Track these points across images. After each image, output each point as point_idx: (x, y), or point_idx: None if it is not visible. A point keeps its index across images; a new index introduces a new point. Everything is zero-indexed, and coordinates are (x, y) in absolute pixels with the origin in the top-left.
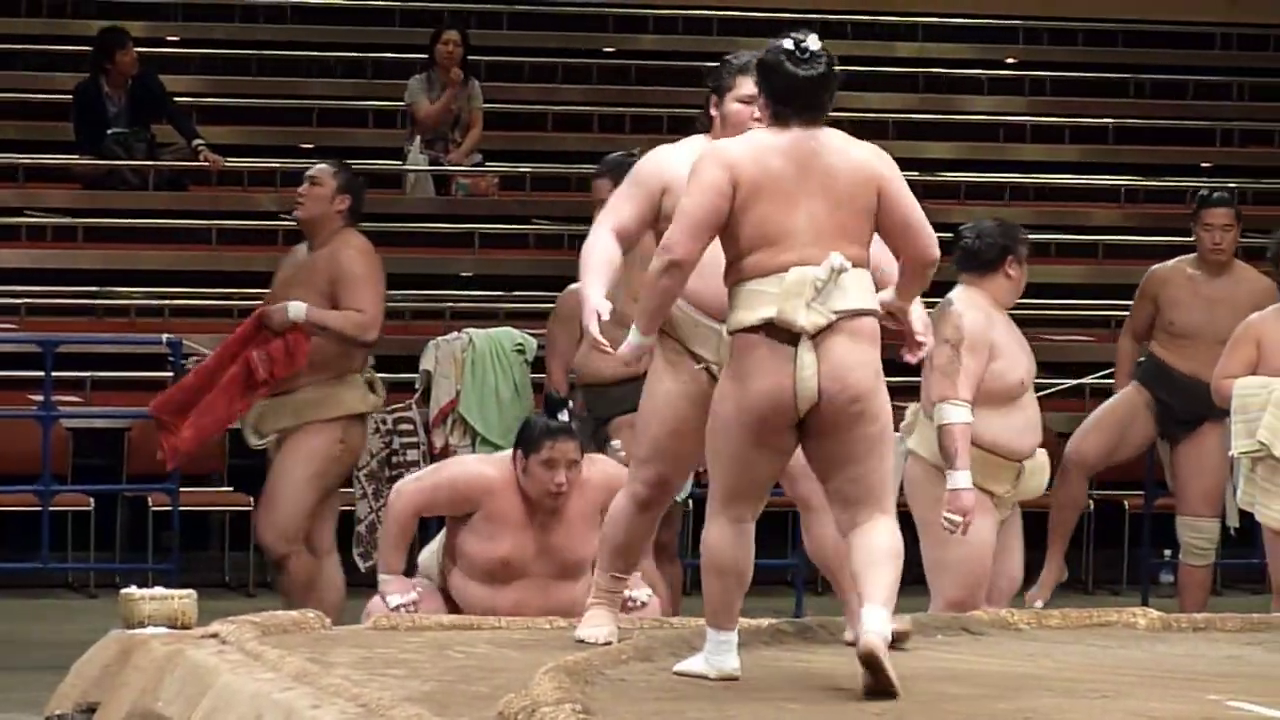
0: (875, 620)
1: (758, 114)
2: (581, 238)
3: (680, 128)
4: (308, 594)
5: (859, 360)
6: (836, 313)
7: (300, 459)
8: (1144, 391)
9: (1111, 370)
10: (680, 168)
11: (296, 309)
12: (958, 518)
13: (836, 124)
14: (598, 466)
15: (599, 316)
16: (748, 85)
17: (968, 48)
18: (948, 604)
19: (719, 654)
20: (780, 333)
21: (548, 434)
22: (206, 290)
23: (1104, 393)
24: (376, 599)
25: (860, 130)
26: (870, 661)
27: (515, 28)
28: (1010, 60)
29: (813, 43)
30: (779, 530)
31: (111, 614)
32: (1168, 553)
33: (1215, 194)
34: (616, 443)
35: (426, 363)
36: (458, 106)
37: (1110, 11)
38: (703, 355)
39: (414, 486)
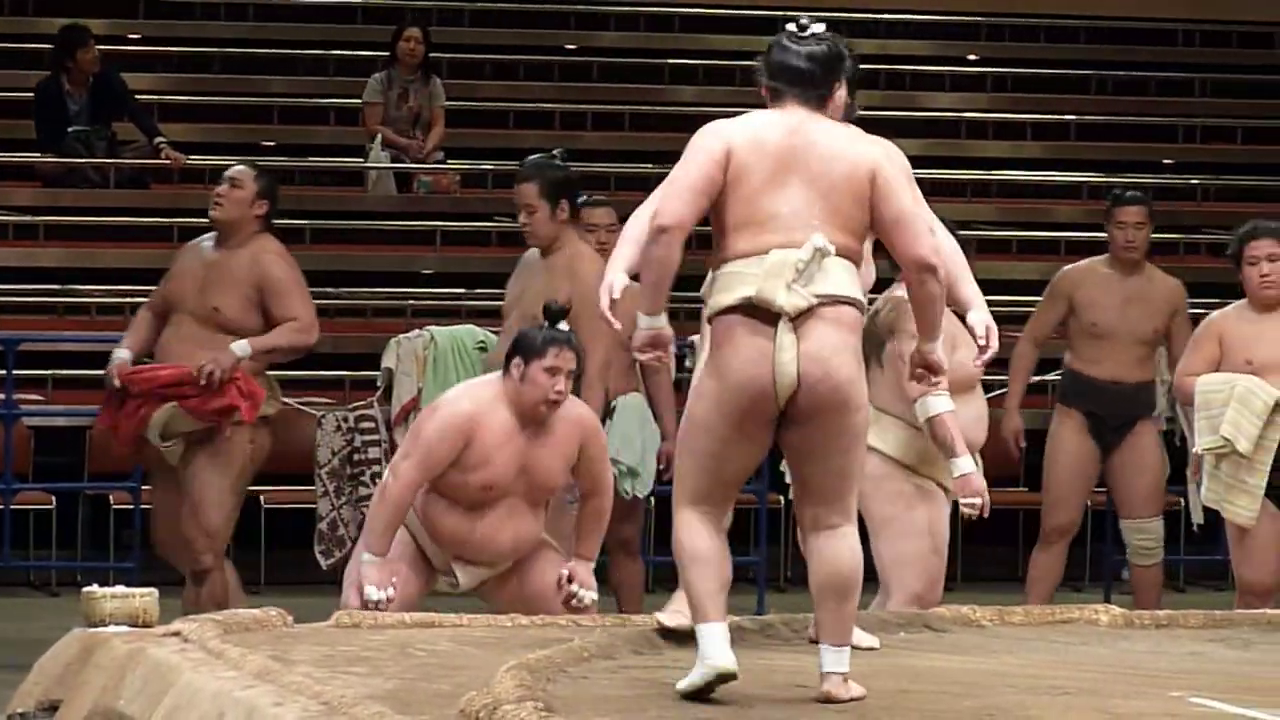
0: (834, 662)
1: None
2: None
3: (642, 124)
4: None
5: (840, 346)
6: (818, 296)
7: (220, 466)
8: (1072, 412)
9: None
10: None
11: (241, 348)
12: (976, 500)
13: None
14: (571, 406)
15: (610, 291)
16: None
17: (929, 44)
18: (909, 598)
19: (708, 649)
20: (759, 314)
21: (553, 341)
22: None
23: None
24: (352, 584)
25: None
26: (830, 702)
27: (477, 25)
28: (972, 57)
29: (816, 26)
30: (741, 527)
31: (73, 612)
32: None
33: (1128, 193)
34: None
35: (388, 360)
36: (419, 104)
37: (1072, 8)
38: None
39: (409, 464)
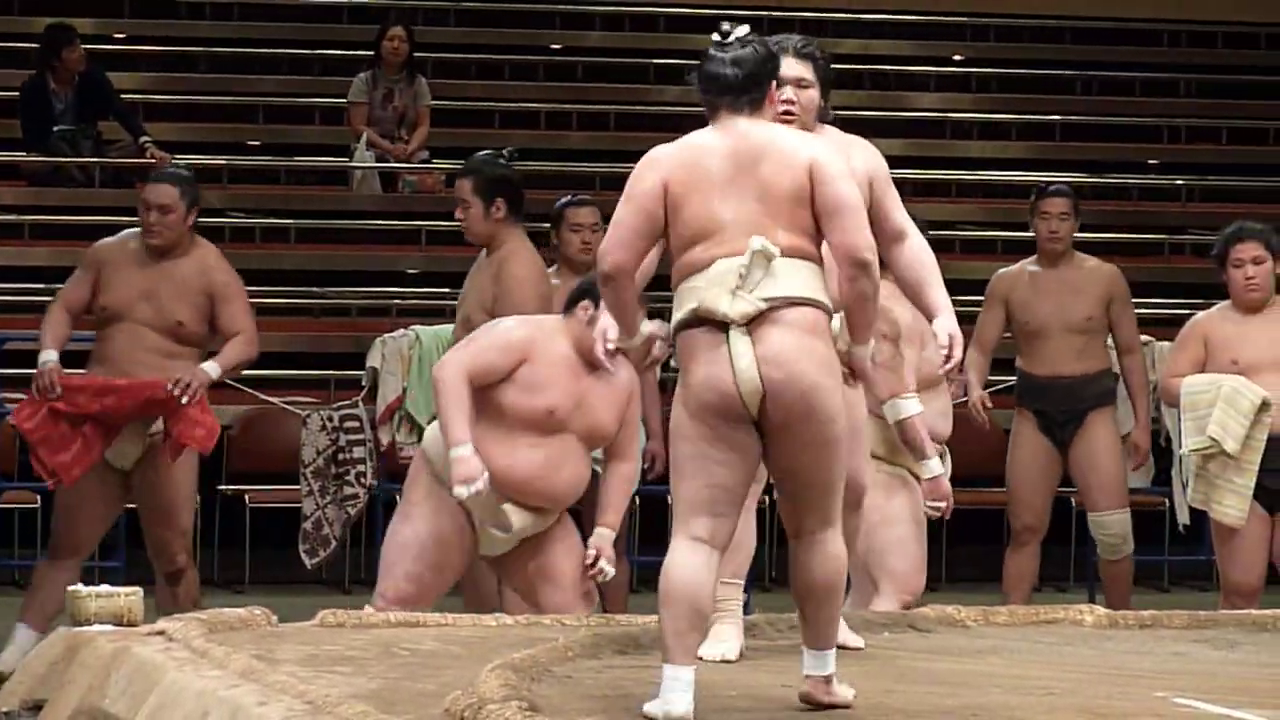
0: (814, 665)
1: (785, 95)
2: (530, 234)
3: (627, 124)
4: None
5: (800, 349)
6: (767, 300)
7: (182, 471)
8: (1026, 413)
9: None
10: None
11: (212, 369)
12: (941, 503)
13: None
14: (621, 364)
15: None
16: (784, 65)
17: (913, 44)
18: (897, 585)
19: (667, 693)
20: (713, 325)
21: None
22: None
23: None
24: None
25: None
26: (812, 704)
27: (462, 24)
28: (957, 57)
29: (739, 30)
30: None
31: (58, 612)
32: None
33: (1051, 185)
34: None
35: (373, 360)
36: (404, 103)
37: (1056, 9)
38: None
39: (460, 354)
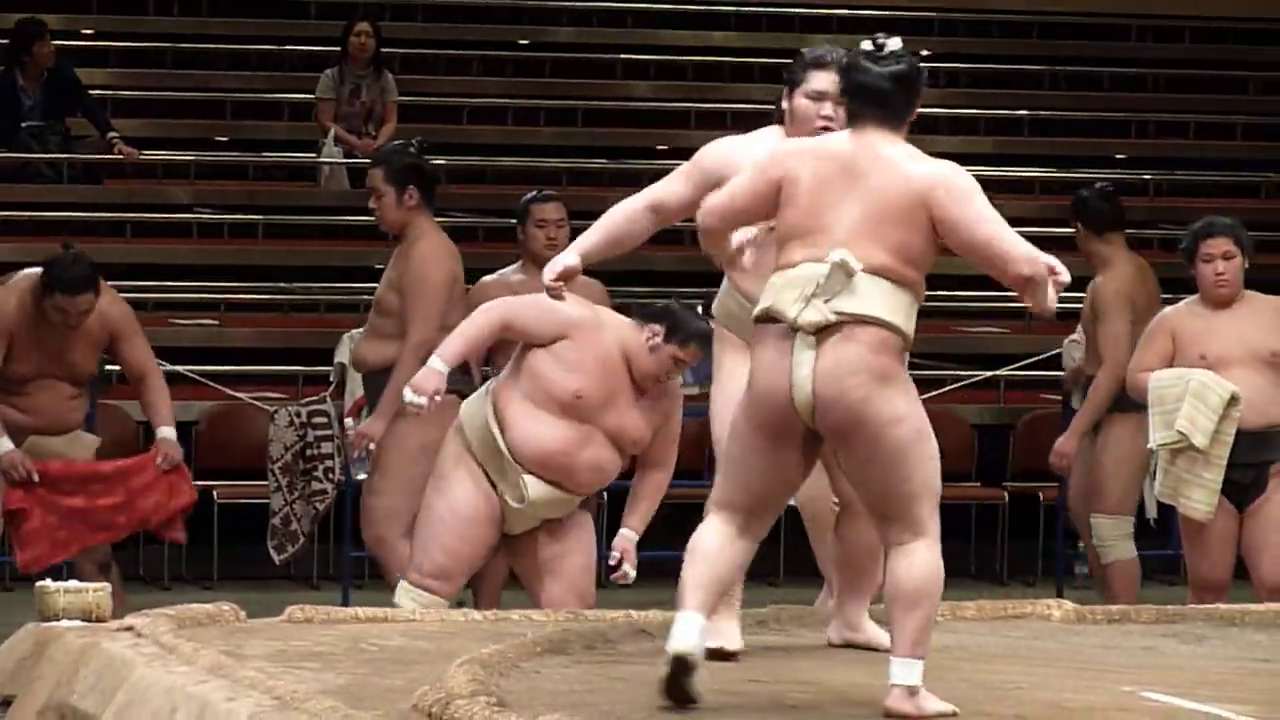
0: (898, 674)
1: (825, 111)
2: (497, 230)
3: (595, 120)
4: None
5: (858, 365)
6: (840, 314)
7: None
8: None
9: (1026, 362)
10: (744, 162)
11: (172, 433)
12: None
13: (756, 117)
14: (671, 388)
15: (559, 269)
16: (817, 80)
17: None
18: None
19: (674, 630)
20: (784, 327)
21: (702, 341)
22: (121, 283)
23: (1018, 385)
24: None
25: (774, 124)
26: (893, 717)
27: (429, 20)
28: (925, 52)
29: (893, 43)
30: (693, 522)
31: (27, 607)
32: (1082, 544)
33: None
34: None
35: (341, 355)
36: (371, 99)
37: (1025, 3)
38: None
39: (508, 300)
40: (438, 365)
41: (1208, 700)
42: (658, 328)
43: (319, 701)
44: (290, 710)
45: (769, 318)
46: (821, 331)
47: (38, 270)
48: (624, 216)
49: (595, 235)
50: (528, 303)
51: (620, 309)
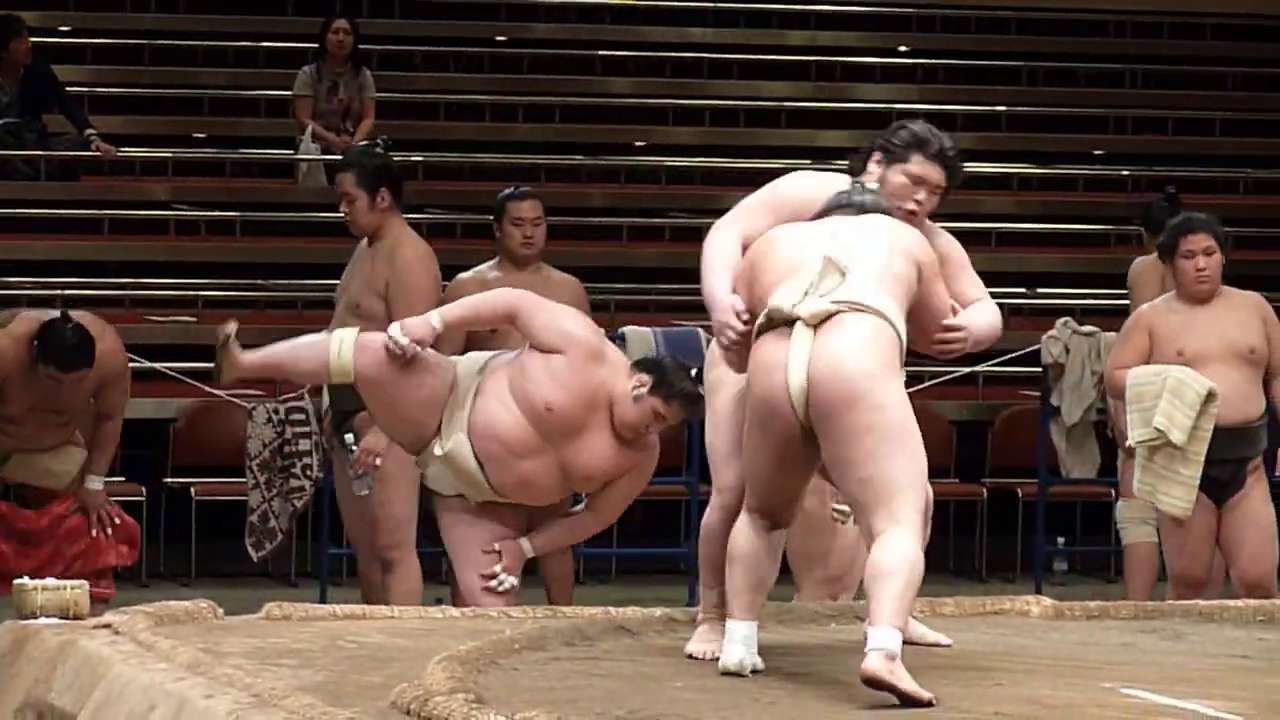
0: (875, 639)
1: (920, 196)
2: (472, 226)
3: (573, 116)
4: None
5: (857, 347)
6: (837, 302)
7: None
8: None
9: (1004, 358)
10: (819, 201)
11: (99, 483)
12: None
13: (735, 114)
14: (649, 447)
15: (735, 312)
16: (919, 164)
17: (860, 35)
18: (824, 581)
19: (725, 644)
20: (781, 327)
21: (689, 403)
22: (98, 280)
23: (997, 380)
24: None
25: (754, 119)
26: (872, 684)
27: (407, 16)
28: (903, 48)
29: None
30: (671, 519)
31: (4, 605)
32: (1061, 540)
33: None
34: (349, 436)
35: None
36: (349, 96)
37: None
38: None
39: (524, 294)
40: (435, 321)
41: (1186, 697)
42: (646, 379)
43: (297, 699)
44: (268, 707)
45: (768, 326)
46: (820, 324)
47: (37, 316)
48: (732, 251)
49: (729, 271)
50: (545, 306)
51: (596, 306)
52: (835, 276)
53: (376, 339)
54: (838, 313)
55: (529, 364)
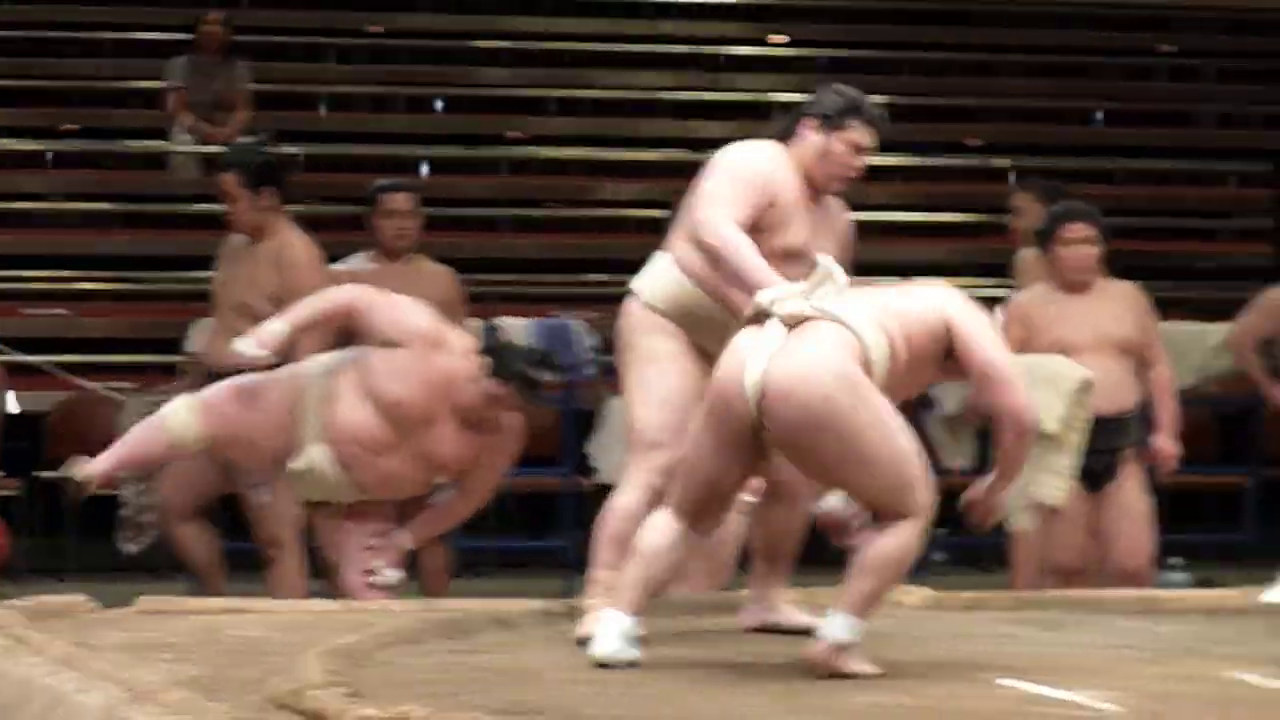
0: (828, 625)
1: (859, 162)
2: (348, 219)
3: (452, 108)
4: None
5: (818, 361)
6: (816, 309)
7: None
8: None
9: None
10: (776, 174)
11: None
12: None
13: (613, 105)
14: (514, 416)
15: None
16: (859, 130)
17: (739, 26)
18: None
19: (603, 634)
20: (760, 321)
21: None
22: None
23: None
24: None
25: (631, 111)
26: (814, 669)
27: (283, 7)
28: (784, 38)
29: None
30: (547, 513)
31: None
32: (940, 530)
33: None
34: None
35: (192, 345)
36: (223, 87)
37: None
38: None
39: (365, 290)
40: (281, 327)
41: (1064, 686)
42: (484, 361)
43: (172, 692)
44: (142, 701)
45: (753, 320)
46: (794, 327)
47: None
48: (749, 239)
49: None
50: (383, 301)
51: (476, 298)
52: (828, 286)
53: (215, 393)
54: (812, 318)
55: (374, 361)
